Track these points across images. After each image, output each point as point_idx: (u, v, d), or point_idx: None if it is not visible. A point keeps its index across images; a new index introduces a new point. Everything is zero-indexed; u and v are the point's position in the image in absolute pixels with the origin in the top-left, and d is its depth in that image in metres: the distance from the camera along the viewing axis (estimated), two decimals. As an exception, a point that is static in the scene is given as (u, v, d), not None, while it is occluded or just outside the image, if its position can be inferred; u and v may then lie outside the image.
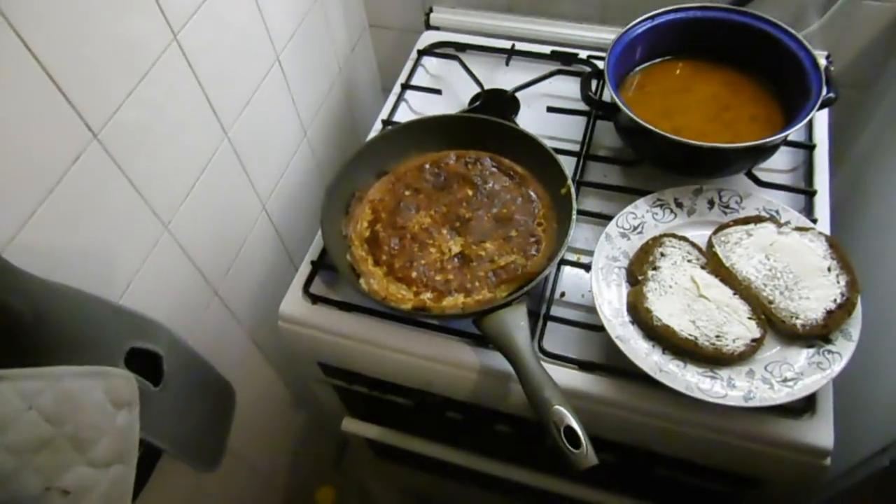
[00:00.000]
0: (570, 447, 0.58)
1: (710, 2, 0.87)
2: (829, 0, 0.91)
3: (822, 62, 0.78)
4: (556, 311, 0.77)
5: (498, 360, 0.71)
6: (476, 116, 0.87)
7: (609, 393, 0.71)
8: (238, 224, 0.88)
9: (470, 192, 0.82)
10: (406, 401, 0.86)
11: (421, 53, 1.05)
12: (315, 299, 0.80)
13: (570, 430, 0.59)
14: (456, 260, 0.77)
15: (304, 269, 0.83)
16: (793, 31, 0.82)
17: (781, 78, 0.84)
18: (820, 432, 0.66)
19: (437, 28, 1.09)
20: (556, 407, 0.60)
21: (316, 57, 1.01)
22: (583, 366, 0.72)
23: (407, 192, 0.83)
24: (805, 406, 0.68)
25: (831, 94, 0.77)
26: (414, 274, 0.76)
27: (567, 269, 0.81)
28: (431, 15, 1.08)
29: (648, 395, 0.69)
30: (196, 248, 0.79)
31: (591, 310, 0.74)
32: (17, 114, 0.53)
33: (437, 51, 1.05)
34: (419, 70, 1.04)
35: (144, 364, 0.66)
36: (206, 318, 0.84)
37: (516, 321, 0.68)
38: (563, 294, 0.79)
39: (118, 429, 0.58)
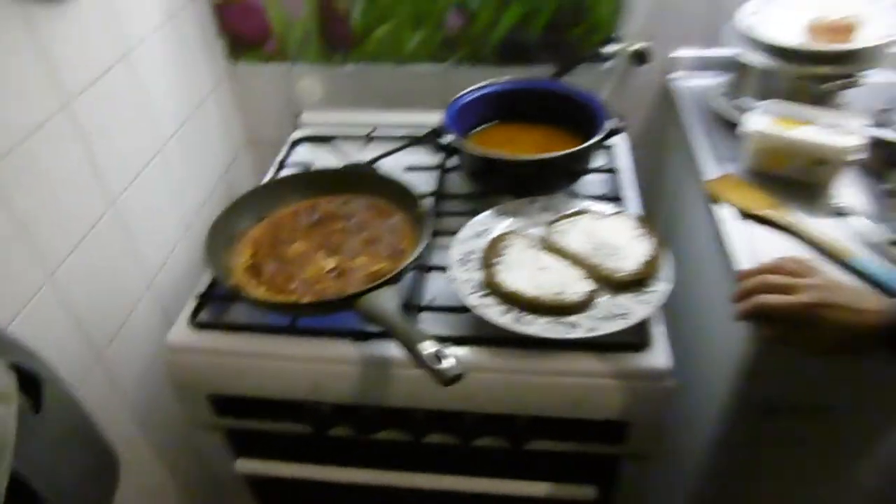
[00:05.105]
0: (437, 365, 0.66)
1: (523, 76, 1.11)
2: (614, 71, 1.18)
3: (607, 106, 1.01)
4: (428, 307, 0.86)
5: (378, 349, 0.80)
6: (342, 168, 1.01)
7: (480, 359, 0.79)
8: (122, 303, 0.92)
9: (341, 225, 0.94)
10: (297, 426, 0.88)
11: (294, 144, 1.21)
12: (202, 326, 0.85)
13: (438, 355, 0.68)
14: (334, 273, 0.86)
15: (191, 304, 0.88)
16: (587, 91, 1.05)
17: (583, 126, 1.05)
18: (657, 357, 0.77)
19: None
20: (425, 342, 0.69)
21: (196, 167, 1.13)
22: (456, 341, 0.80)
23: (284, 231, 0.93)
24: (642, 341, 0.79)
25: (617, 124, 0.99)
26: (293, 285, 0.84)
27: (434, 279, 0.91)
28: (300, 117, 1.27)
29: (511, 353, 0.79)
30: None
31: (458, 306, 0.83)
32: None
33: (308, 141, 1.22)
34: (293, 154, 1.19)
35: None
36: (86, 386, 0.84)
37: (388, 297, 0.77)
38: (433, 299, 0.88)
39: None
